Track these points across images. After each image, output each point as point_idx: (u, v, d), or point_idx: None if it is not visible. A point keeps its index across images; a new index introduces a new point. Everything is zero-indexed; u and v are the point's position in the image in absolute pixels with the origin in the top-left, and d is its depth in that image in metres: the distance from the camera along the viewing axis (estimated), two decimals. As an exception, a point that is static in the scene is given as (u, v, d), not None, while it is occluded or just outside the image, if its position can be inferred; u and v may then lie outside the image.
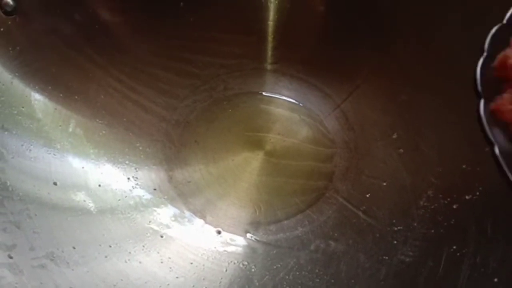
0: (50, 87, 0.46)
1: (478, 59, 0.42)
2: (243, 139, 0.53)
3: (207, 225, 0.48)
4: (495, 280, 0.38)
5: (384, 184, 0.49)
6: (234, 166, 0.51)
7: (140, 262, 0.43)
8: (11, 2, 0.43)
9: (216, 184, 0.50)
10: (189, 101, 0.54)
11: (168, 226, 0.47)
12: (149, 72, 0.52)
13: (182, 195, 0.50)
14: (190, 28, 0.53)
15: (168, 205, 0.49)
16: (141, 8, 0.50)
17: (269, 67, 0.56)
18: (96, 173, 0.47)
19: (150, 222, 0.47)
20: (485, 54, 0.39)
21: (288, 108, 0.55)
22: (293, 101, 0.55)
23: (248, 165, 0.51)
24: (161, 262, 0.44)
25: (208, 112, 0.54)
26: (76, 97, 0.48)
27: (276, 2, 0.53)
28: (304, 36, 0.54)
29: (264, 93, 0.55)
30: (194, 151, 0.52)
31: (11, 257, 0.36)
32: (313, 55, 0.54)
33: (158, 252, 0.44)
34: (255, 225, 0.48)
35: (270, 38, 0.55)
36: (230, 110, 0.55)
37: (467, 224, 0.42)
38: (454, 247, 0.41)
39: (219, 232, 0.48)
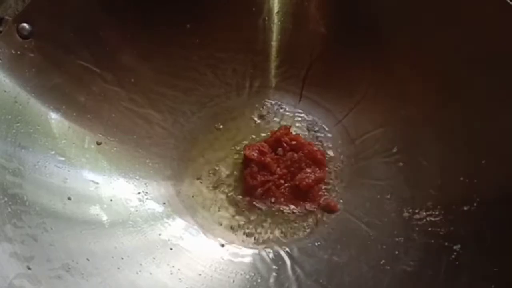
0: (64, 107, 0.48)
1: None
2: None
3: (214, 238, 0.49)
4: (493, 286, 0.39)
5: (385, 196, 0.50)
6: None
7: (150, 273, 0.44)
8: (27, 27, 0.45)
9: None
10: (196, 117, 0.56)
11: (177, 239, 0.48)
12: (157, 91, 0.54)
13: (190, 208, 0.51)
14: (196, 49, 0.54)
15: (177, 219, 0.50)
16: (149, 31, 0.52)
17: (273, 85, 0.57)
18: (108, 188, 0.49)
19: (160, 234, 0.48)
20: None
21: (292, 123, 0.56)
22: (297, 116, 0.57)
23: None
24: (171, 274, 0.45)
25: (214, 128, 0.56)
26: (88, 115, 0.50)
27: (279, 23, 0.55)
28: (306, 55, 0.55)
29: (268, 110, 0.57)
30: (201, 166, 0.53)
31: (29, 268, 0.38)
32: (315, 73, 0.56)
33: (168, 264, 0.46)
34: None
35: (273, 57, 0.56)
36: (235, 126, 0.56)
37: (465, 234, 0.43)
38: (453, 256, 0.42)
39: (222, 245, 0.49)
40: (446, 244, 0.43)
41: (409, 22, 0.50)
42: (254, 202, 0.51)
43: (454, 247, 0.43)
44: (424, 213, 0.47)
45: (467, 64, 0.47)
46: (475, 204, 0.44)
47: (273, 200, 0.51)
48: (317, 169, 0.52)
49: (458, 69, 0.48)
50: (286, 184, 0.52)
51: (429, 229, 0.46)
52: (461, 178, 0.46)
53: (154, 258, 0.46)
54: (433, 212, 0.46)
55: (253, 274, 0.46)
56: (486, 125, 0.46)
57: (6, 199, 0.40)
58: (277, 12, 0.54)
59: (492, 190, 0.44)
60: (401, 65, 0.51)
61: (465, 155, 0.47)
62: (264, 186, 0.51)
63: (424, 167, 0.49)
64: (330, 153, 0.54)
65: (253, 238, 0.49)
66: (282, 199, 0.51)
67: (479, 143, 0.46)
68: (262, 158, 0.52)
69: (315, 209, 0.51)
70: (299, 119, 0.57)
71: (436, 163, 0.48)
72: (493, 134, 0.45)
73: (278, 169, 0.52)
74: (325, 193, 0.52)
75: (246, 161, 0.52)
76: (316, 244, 0.48)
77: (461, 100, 0.48)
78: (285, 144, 0.53)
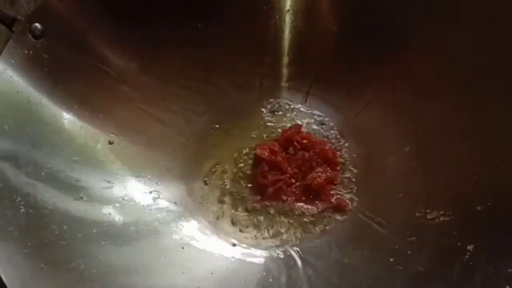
0: (76, 106, 0.48)
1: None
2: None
3: (226, 237, 0.49)
4: (507, 287, 0.38)
5: (397, 196, 0.49)
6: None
7: (163, 273, 0.44)
8: (39, 27, 0.46)
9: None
10: (207, 117, 0.56)
11: (189, 238, 0.48)
12: (168, 91, 0.54)
13: (202, 208, 0.51)
14: (208, 49, 0.54)
15: (188, 218, 0.50)
16: (161, 31, 0.52)
17: (284, 84, 0.57)
18: (120, 187, 0.49)
19: (171, 234, 0.48)
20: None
21: (303, 122, 0.56)
22: (308, 115, 0.57)
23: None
24: (183, 273, 0.45)
25: (225, 127, 0.56)
26: (100, 115, 0.50)
27: (290, 21, 0.55)
28: (317, 54, 0.55)
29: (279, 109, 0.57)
30: (212, 165, 0.53)
31: (42, 268, 0.38)
32: (326, 72, 0.56)
33: (179, 263, 0.46)
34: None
35: (284, 56, 0.56)
36: (246, 125, 0.56)
37: (479, 234, 0.43)
38: (467, 256, 0.42)
39: (234, 245, 0.49)
40: (459, 244, 0.43)
41: (422, 20, 0.50)
42: (265, 202, 0.51)
43: (468, 247, 0.42)
44: (437, 213, 0.46)
45: (482, 64, 0.47)
46: (488, 204, 0.43)
47: (284, 198, 0.51)
48: (328, 168, 0.52)
49: (473, 68, 0.47)
50: (297, 184, 0.52)
51: (442, 229, 0.45)
52: (475, 178, 0.45)
53: (166, 257, 0.46)
54: (446, 212, 0.46)
55: (264, 273, 0.46)
56: (500, 124, 0.45)
57: (19, 198, 0.41)
58: (288, 10, 0.54)
59: (505, 190, 0.44)
60: (414, 63, 0.51)
61: (478, 154, 0.46)
62: (275, 185, 0.51)
63: (437, 166, 0.49)
64: (342, 152, 0.54)
65: (264, 238, 0.49)
66: (293, 198, 0.51)
67: (492, 143, 0.46)
68: (273, 157, 0.52)
69: (327, 209, 0.50)
70: (310, 117, 0.56)
71: (449, 163, 0.48)
72: (506, 133, 0.45)
73: (289, 168, 0.52)
74: (337, 193, 0.51)
75: (257, 161, 0.52)
76: (327, 244, 0.48)
77: (475, 99, 0.47)
78: (296, 143, 0.53)
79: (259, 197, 0.51)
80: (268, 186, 0.51)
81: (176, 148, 0.54)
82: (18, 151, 0.43)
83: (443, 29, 0.49)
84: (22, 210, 0.40)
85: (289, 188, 0.51)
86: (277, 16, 0.54)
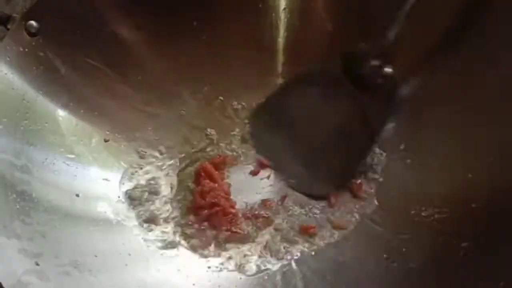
0: (71, 104, 0.48)
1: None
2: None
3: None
4: (501, 284, 0.38)
5: (391, 193, 0.50)
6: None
7: (158, 270, 0.45)
8: (35, 24, 0.45)
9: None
10: (203, 114, 0.56)
11: (184, 236, 0.48)
12: (164, 88, 0.54)
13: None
14: (202, 46, 0.54)
15: (184, 215, 0.50)
16: (157, 29, 0.52)
17: (279, 81, 0.57)
18: (115, 185, 0.49)
19: (167, 231, 0.48)
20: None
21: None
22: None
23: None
24: (178, 270, 0.45)
25: (221, 125, 0.56)
26: (96, 112, 0.50)
27: (286, 20, 0.55)
28: (312, 52, 0.55)
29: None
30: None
31: (38, 264, 0.38)
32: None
33: (175, 260, 0.46)
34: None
35: (280, 54, 0.56)
36: (240, 122, 0.56)
37: (473, 231, 0.43)
38: (461, 254, 0.42)
39: None
40: (453, 241, 0.43)
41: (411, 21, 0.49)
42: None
43: (462, 245, 0.42)
44: (432, 211, 0.46)
45: (475, 62, 0.47)
46: (482, 202, 0.44)
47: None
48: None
49: (467, 66, 0.48)
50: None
51: (436, 226, 0.45)
52: (469, 176, 0.46)
53: (161, 255, 0.46)
54: (441, 209, 0.46)
55: (259, 270, 0.46)
56: (494, 122, 0.46)
57: (14, 195, 0.41)
58: (284, 8, 0.54)
59: (500, 187, 0.44)
60: (406, 62, 0.51)
61: (472, 152, 0.47)
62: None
63: (432, 164, 0.49)
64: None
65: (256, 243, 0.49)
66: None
67: (486, 140, 0.46)
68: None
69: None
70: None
71: (443, 160, 0.48)
72: (500, 131, 0.45)
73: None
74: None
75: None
76: (322, 242, 0.48)
77: (469, 98, 0.48)
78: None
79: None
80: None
81: (170, 145, 0.54)
82: (13, 148, 0.43)
83: (434, 30, 0.49)
84: (18, 207, 0.40)
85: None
86: (273, 15, 0.54)
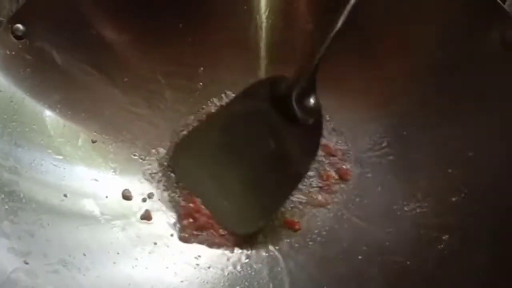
0: (59, 105, 0.49)
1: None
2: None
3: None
4: (484, 278, 0.40)
5: (375, 189, 0.51)
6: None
7: (146, 268, 0.45)
8: (21, 27, 0.46)
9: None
10: (191, 115, 0.56)
11: (172, 234, 0.49)
12: (151, 90, 0.55)
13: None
14: (189, 48, 0.55)
15: (172, 214, 0.50)
16: (143, 31, 0.52)
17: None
18: (104, 185, 0.49)
19: (155, 230, 0.49)
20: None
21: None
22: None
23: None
24: (166, 268, 0.46)
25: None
26: (83, 114, 0.50)
27: (270, 21, 0.55)
28: (297, 52, 0.56)
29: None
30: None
31: (26, 263, 0.38)
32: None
33: (163, 258, 0.46)
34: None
35: (264, 54, 0.57)
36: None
37: (454, 224, 0.44)
38: (442, 246, 0.43)
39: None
40: (435, 234, 0.44)
41: (396, 21, 0.51)
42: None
43: (443, 237, 0.44)
44: (414, 205, 0.47)
45: (454, 60, 0.48)
46: (462, 195, 0.45)
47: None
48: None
49: (445, 64, 0.49)
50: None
51: (419, 220, 0.46)
52: (449, 170, 0.47)
53: (149, 253, 0.47)
54: (422, 204, 0.47)
55: (247, 267, 0.47)
56: (474, 118, 0.47)
57: (3, 196, 0.41)
58: (267, 9, 0.55)
59: (479, 181, 0.45)
60: (389, 62, 0.52)
61: (453, 147, 0.48)
62: None
63: (413, 160, 0.50)
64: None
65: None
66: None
67: (466, 136, 0.47)
68: None
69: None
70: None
71: (425, 156, 0.49)
72: (480, 126, 0.46)
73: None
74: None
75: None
76: (307, 237, 0.49)
77: (448, 94, 0.49)
78: None
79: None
80: None
81: (159, 145, 0.54)
82: (1, 150, 0.43)
83: (416, 29, 0.50)
84: (6, 207, 0.41)
85: None
86: (257, 16, 0.55)
